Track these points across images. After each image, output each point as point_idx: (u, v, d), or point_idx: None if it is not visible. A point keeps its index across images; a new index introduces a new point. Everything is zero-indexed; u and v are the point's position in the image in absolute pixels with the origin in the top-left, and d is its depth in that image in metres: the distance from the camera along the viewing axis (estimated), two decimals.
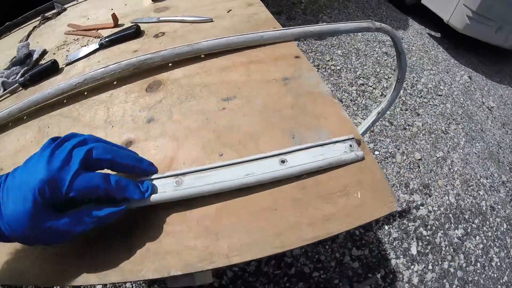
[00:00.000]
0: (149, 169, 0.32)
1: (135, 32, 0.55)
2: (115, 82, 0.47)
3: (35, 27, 0.79)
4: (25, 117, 0.54)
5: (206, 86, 0.43)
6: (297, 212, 0.29)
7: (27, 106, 0.51)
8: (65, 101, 0.50)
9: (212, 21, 0.56)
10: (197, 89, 0.43)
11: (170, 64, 0.47)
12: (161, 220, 0.31)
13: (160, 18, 0.58)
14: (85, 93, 0.48)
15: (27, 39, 0.77)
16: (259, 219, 0.30)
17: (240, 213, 0.30)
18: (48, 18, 0.80)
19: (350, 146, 0.32)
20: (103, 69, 0.45)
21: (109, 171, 0.29)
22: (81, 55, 0.57)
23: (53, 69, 0.57)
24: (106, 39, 0.56)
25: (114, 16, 0.61)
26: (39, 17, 0.81)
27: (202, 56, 0.47)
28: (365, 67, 1.75)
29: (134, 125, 0.40)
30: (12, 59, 0.74)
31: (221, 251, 0.28)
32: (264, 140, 0.35)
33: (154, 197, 0.30)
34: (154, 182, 0.32)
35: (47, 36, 0.73)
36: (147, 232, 0.31)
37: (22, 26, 0.84)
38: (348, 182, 0.31)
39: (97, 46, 0.56)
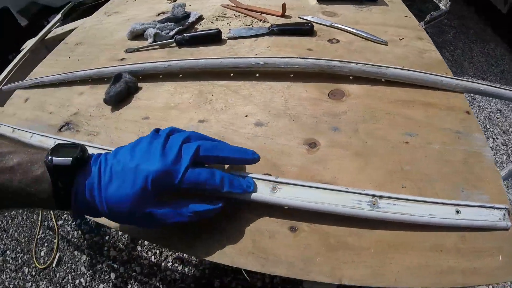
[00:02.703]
0: (253, 157, 0.34)
1: (309, 30, 0.57)
2: (291, 75, 0.49)
3: None
4: (180, 75, 0.57)
5: (388, 113, 0.43)
6: (457, 259, 0.32)
7: (190, 66, 0.54)
8: (231, 75, 0.52)
9: (387, 45, 0.56)
10: (380, 114, 0.43)
11: (351, 77, 0.48)
12: (339, 232, 0.33)
13: (334, 24, 0.59)
14: (257, 74, 0.50)
15: None
16: (425, 256, 0.32)
17: (413, 247, 0.32)
18: None
19: (504, 215, 0.34)
20: (288, 59, 0.47)
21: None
22: (247, 34, 0.60)
23: (216, 38, 0.60)
24: (278, 27, 0.58)
25: (284, 6, 0.63)
26: None
27: (383, 80, 0.48)
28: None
29: (317, 127, 0.41)
30: (159, 14, 0.81)
31: (390, 275, 0.30)
32: (439, 185, 0.36)
33: (256, 196, 0.33)
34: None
35: (199, 2, 0.78)
36: (325, 238, 0.33)
37: None
38: (494, 245, 0.33)
39: (267, 31, 0.59)
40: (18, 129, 0.57)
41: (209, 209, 0.30)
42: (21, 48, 0.96)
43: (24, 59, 0.90)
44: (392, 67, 0.46)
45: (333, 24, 0.59)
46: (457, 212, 0.34)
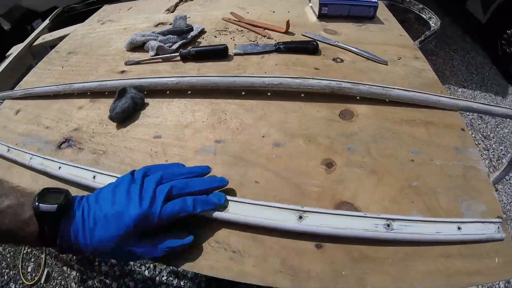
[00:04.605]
0: (221, 184, 0.39)
1: (314, 49, 0.60)
2: (302, 95, 0.52)
3: (182, 0, 0.86)
4: (189, 92, 0.58)
5: (395, 133, 0.47)
6: (462, 263, 0.36)
7: (202, 84, 0.55)
8: (243, 93, 0.54)
9: (387, 64, 0.60)
10: (387, 133, 0.47)
11: (358, 98, 0.51)
12: (361, 246, 0.37)
13: (337, 43, 0.63)
14: (268, 93, 0.53)
15: (174, 10, 0.83)
16: (436, 262, 0.36)
17: (425, 255, 0.36)
18: None
19: (498, 228, 0.39)
20: (301, 80, 0.50)
21: None
22: (253, 50, 0.62)
23: (223, 53, 0.62)
24: (284, 45, 0.61)
25: (288, 23, 0.66)
26: None
27: (387, 100, 0.52)
28: None
29: (333, 147, 0.44)
30: (158, 24, 0.81)
31: (408, 280, 0.35)
32: (443, 198, 0.41)
33: (285, 224, 0.36)
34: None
35: (199, 15, 0.79)
36: (349, 252, 0.36)
37: None
38: (491, 249, 0.37)
39: (273, 48, 0.61)
40: (15, 149, 0.55)
41: (182, 244, 0.34)
42: (7, 54, 0.92)
43: (10, 66, 0.86)
44: (396, 88, 0.51)
45: (336, 43, 0.63)
46: (459, 228, 0.38)
